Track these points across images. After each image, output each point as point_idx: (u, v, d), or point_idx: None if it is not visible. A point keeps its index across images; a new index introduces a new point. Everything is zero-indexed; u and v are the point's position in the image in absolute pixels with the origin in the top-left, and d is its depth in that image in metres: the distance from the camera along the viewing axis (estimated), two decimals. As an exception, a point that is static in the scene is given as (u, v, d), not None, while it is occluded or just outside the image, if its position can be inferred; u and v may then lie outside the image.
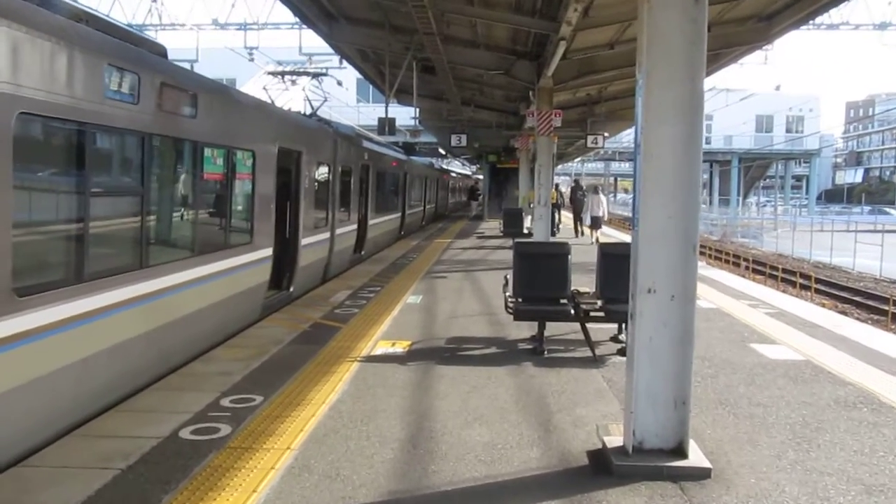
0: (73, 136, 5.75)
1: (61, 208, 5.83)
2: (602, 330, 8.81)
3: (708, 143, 64.71)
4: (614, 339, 8.77)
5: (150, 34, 24.78)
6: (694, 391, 5.20)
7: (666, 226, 4.77)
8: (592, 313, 8.28)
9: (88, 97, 5.73)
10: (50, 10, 5.74)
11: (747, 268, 28.81)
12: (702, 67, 4.76)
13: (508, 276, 8.76)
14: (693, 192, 4.78)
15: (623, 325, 8.61)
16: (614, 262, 8.45)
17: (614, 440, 5.16)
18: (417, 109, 22.53)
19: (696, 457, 4.88)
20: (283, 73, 18.50)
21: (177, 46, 16.85)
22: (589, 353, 8.04)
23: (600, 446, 5.22)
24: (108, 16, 7.67)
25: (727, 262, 31.40)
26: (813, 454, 5.25)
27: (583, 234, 23.96)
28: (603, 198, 23.44)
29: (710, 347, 8.43)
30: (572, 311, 8.15)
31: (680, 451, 4.86)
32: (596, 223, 22.31)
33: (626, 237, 30.26)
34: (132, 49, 6.76)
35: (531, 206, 23.48)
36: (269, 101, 14.47)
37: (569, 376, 7.22)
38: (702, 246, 33.33)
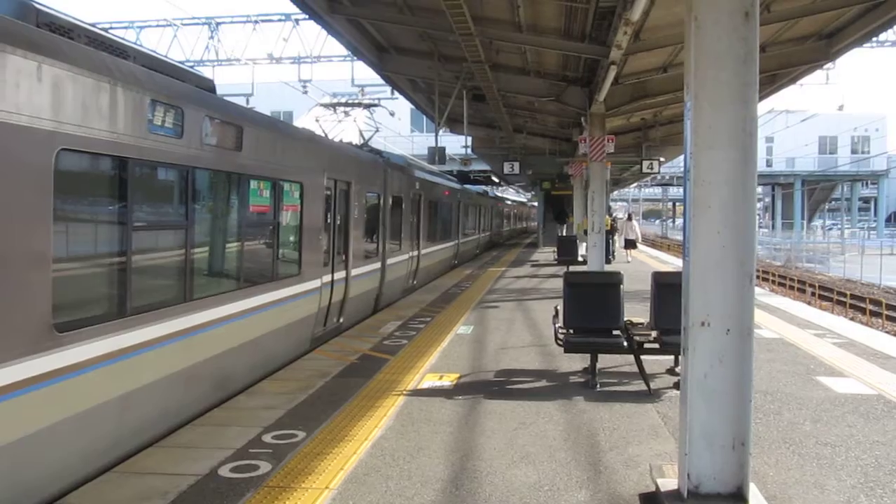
0: (115, 170, 5.78)
1: (103, 243, 5.85)
2: (657, 362, 8.48)
3: (769, 165, 63.18)
4: (671, 371, 8.42)
5: (208, 70, 25.42)
6: (755, 428, 4.89)
7: (720, 255, 4.50)
8: (647, 345, 7.96)
9: (131, 132, 5.76)
10: (96, 48, 5.82)
11: (813, 294, 27.80)
12: (754, 88, 4.51)
13: (559, 307, 8.51)
14: (748, 219, 4.51)
15: (679, 358, 8.26)
16: (669, 292, 8.10)
17: (669, 483, 4.86)
18: (469, 138, 22.48)
19: (757, 502, 4.55)
20: (335, 105, 18.70)
21: (233, 81, 17.21)
22: (643, 387, 7.71)
23: (653, 489, 4.93)
24: (155, 51, 7.76)
25: (791, 288, 30.36)
26: (887, 500, 4.85)
27: (614, 255, 26.06)
28: (636, 223, 28.71)
29: (772, 381, 8.01)
30: (625, 343, 7.85)
31: (739, 496, 4.53)
32: (630, 244, 27.04)
33: (673, 259, 29.63)
34: (176, 84, 6.81)
35: (585, 233, 23.42)
36: (321, 132, 14.57)
37: (622, 412, 6.91)
38: (764, 272, 32.56)
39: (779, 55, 14.60)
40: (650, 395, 7.47)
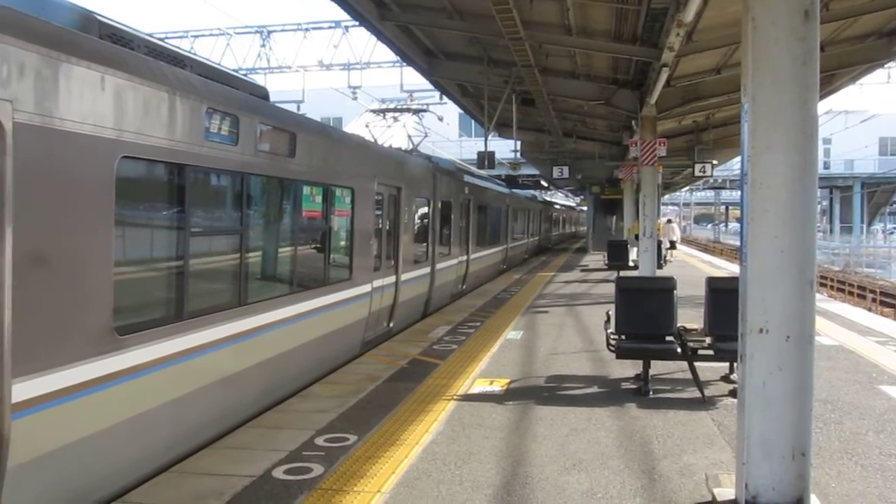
0: (173, 177, 5.91)
1: (162, 248, 5.99)
2: (711, 368, 8.33)
3: (826, 167, 61.50)
4: (725, 378, 8.27)
5: (259, 77, 25.85)
6: (816, 438, 4.77)
7: (778, 260, 4.40)
8: (701, 352, 7.82)
9: (189, 140, 5.89)
10: (154, 58, 5.96)
11: (874, 300, 26.96)
12: (814, 90, 4.41)
13: (610, 312, 8.42)
14: (808, 223, 4.40)
15: (734, 365, 8.10)
16: (724, 297, 7.97)
17: (725, 493, 4.77)
18: (518, 142, 22.40)
19: (818, 514, 4.44)
20: (385, 111, 18.84)
21: (284, 88, 17.48)
22: (697, 394, 7.57)
23: (709, 499, 4.84)
24: (210, 60, 7.93)
25: (851, 293, 29.49)
26: (956, 514, 4.68)
27: (665, 260, 26.61)
28: (675, 226, 32.70)
29: (833, 389, 7.80)
30: (679, 350, 7.73)
31: (800, 508, 4.42)
32: (672, 245, 29.50)
33: (725, 265, 29.08)
34: (232, 92, 6.94)
35: (636, 237, 23.25)
36: (371, 138, 14.69)
37: (675, 419, 6.80)
38: (822, 277, 31.71)
39: (838, 54, 14.21)
40: (704, 403, 7.34)
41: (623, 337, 8.04)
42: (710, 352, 7.75)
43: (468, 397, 7.64)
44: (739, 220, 4.73)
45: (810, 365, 4.45)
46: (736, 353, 7.43)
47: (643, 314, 8.12)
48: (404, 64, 22.05)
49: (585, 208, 52.73)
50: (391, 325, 11.83)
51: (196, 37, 27.64)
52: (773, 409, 4.45)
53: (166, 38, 25.02)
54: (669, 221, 32.12)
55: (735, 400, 7.35)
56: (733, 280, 10.01)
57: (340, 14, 33.20)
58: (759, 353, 4.46)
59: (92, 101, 4.80)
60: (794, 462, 4.43)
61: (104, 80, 4.90)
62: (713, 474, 5.31)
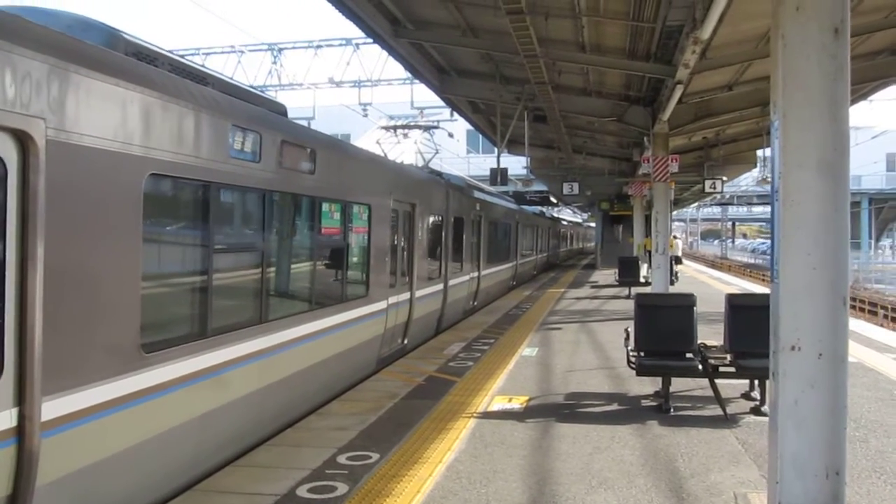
0: (198, 194, 5.92)
1: (187, 265, 5.99)
2: (730, 386, 8.27)
3: (834, 184, 61.22)
4: (746, 395, 8.21)
5: (271, 94, 25.96)
6: (845, 458, 4.70)
7: (811, 277, 4.36)
8: (722, 369, 7.77)
9: (214, 157, 5.90)
10: (179, 74, 5.99)
11: (885, 316, 26.82)
12: (845, 106, 4.39)
13: (629, 329, 8.38)
14: (840, 240, 4.37)
15: (755, 382, 8.05)
16: (744, 314, 7.97)
17: (757, 512, 4.71)
18: (528, 159, 22.44)
19: (853, 534, 4.38)
20: (395, 128, 18.90)
21: (295, 105, 17.54)
22: (719, 412, 7.52)
23: (741, 518, 4.78)
24: (231, 78, 7.97)
25: (861, 310, 29.35)
26: None
27: (677, 277, 26.48)
28: (679, 242, 35.68)
29: (855, 406, 7.72)
30: (700, 367, 7.68)
31: (834, 528, 4.36)
32: (678, 260, 30.97)
33: (735, 280, 28.97)
34: (254, 109, 6.97)
35: (646, 254, 23.28)
36: (382, 154, 14.73)
37: (699, 437, 6.75)
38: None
39: (852, 71, 14.21)
40: (727, 421, 7.28)
41: (642, 354, 7.99)
42: (732, 369, 7.70)
43: (488, 415, 7.60)
44: (771, 237, 4.70)
45: (844, 383, 4.41)
46: (758, 370, 7.51)
47: (663, 331, 8.08)
48: (415, 80, 22.16)
49: (593, 224, 52.73)
50: (405, 341, 11.80)
51: (207, 54, 27.87)
52: (805, 427, 4.40)
53: (176, 54, 25.15)
54: (675, 237, 32.62)
55: (757, 418, 7.36)
56: (754, 297, 9.95)
57: (351, 32, 33.43)
58: (792, 371, 4.42)
59: (121, 119, 4.82)
60: (829, 481, 4.37)
61: (133, 97, 4.92)
62: (741, 493, 5.27)
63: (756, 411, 7.55)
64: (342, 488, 5.44)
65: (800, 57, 4.38)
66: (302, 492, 5.39)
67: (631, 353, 8.11)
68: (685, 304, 8.20)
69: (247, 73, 28.04)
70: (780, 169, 4.41)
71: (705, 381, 8.06)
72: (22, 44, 4.03)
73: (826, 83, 4.37)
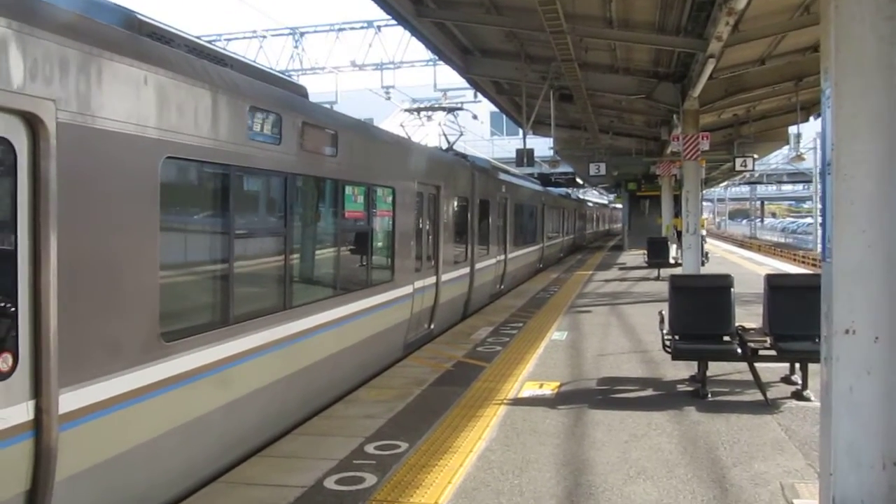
0: (217, 178, 5.74)
1: (207, 251, 5.82)
2: (769, 369, 7.98)
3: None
4: (786, 380, 7.92)
5: (293, 78, 25.80)
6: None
7: (865, 256, 4.08)
8: (762, 352, 7.49)
9: (232, 139, 5.71)
10: (196, 56, 5.80)
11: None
12: (902, 71, 4.09)
13: (664, 312, 8.11)
14: (898, 215, 4.08)
15: (796, 365, 7.76)
16: (784, 295, 7.69)
17: (806, 504, 4.47)
18: (554, 139, 22.10)
19: (912, 528, 4.12)
20: (418, 110, 18.65)
21: (317, 90, 17.39)
22: (758, 397, 7.25)
23: (790, 511, 4.54)
24: (253, 60, 7.78)
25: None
26: None
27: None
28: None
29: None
30: (738, 350, 7.40)
31: (892, 522, 4.11)
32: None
33: (766, 260, 28.50)
34: (274, 90, 6.76)
35: (676, 234, 22.94)
36: (407, 137, 14.51)
37: (739, 423, 6.49)
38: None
39: None
40: (768, 406, 7.02)
41: (678, 337, 7.73)
42: (772, 352, 7.41)
43: (518, 401, 7.39)
44: (822, 213, 4.42)
45: (903, 368, 4.13)
46: (800, 353, 7.23)
47: (699, 313, 7.81)
48: (438, 62, 21.88)
49: (619, 206, 52.15)
50: (432, 326, 11.62)
51: (229, 39, 27.75)
52: (861, 415, 4.13)
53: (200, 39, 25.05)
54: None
55: (800, 402, 7.09)
56: (794, 277, 9.62)
57: (373, 14, 33.14)
58: (846, 356, 4.15)
59: (135, 100, 4.64)
60: (886, 472, 4.12)
61: (147, 78, 4.73)
62: (788, 483, 5.03)
63: (798, 396, 7.27)
64: (371, 479, 5.27)
65: (853, 20, 4.08)
66: (329, 483, 5.23)
67: (666, 337, 7.85)
68: (722, 285, 7.92)
69: (269, 57, 27.89)
70: (833, 140, 4.12)
71: (742, 365, 7.80)
72: (29, 22, 3.85)
73: (882, 47, 4.07)
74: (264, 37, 27.67)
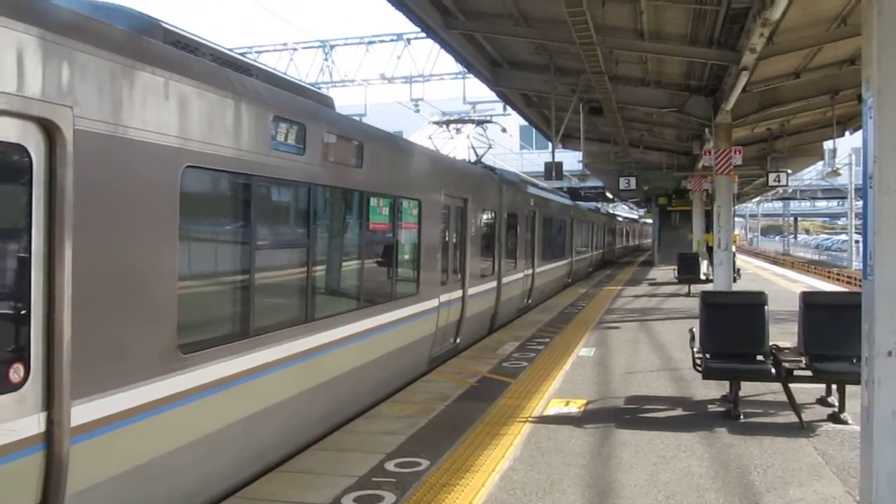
0: (239, 188, 5.67)
1: (227, 262, 5.74)
2: (804, 391, 7.70)
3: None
4: (822, 401, 7.65)
5: (322, 91, 25.92)
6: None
7: (910, 274, 3.88)
8: (797, 372, 7.23)
9: (255, 149, 5.64)
10: (221, 65, 5.75)
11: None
12: (950, 80, 3.88)
13: (694, 329, 7.88)
14: (945, 231, 3.87)
15: (833, 387, 7.48)
16: (821, 313, 7.43)
17: (846, 535, 4.23)
18: (583, 153, 21.89)
19: (960, 564, 3.87)
20: (447, 122, 18.57)
21: (347, 103, 17.41)
22: (793, 419, 7.00)
23: (828, 542, 4.31)
24: (279, 71, 7.73)
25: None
26: None
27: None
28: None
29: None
30: (773, 370, 7.15)
31: (938, 556, 3.87)
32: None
33: (800, 277, 27.91)
34: (298, 100, 6.69)
35: (707, 250, 22.63)
36: (434, 150, 14.41)
37: (773, 447, 6.25)
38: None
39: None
40: (803, 429, 6.76)
41: (709, 356, 7.49)
42: (808, 373, 7.15)
43: (543, 419, 7.21)
44: (862, 229, 4.21)
45: (949, 392, 3.90)
46: (837, 374, 6.96)
47: (731, 331, 7.57)
48: (467, 75, 21.82)
49: (649, 221, 51.66)
50: (458, 340, 11.46)
51: (260, 52, 27.95)
52: (904, 442, 3.91)
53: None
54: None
55: (837, 426, 6.82)
56: (831, 295, 9.31)
57: (402, 27, 33.23)
58: (889, 379, 3.93)
59: (156, 108, 4.58)
60: (931, 503, 3.89)
61: (168, 85, 4.68)
62: (826, 512, 4.79)
63: (835, 418, 7.00)
64: (389, 498, 5.13)
65: (897, 26, 3.89)
66: (347, 501, 5.10)
67: (696, 355, 7.62)
68: (755, 302, 7.67)
69: (299, 70, 28.05)
70: (876, 152, 3.92)
71: (776, 386, 7.54)
72: (46, 27, 3.80)
73: (929, 54, 3.87)
74: (295, 49, 27.85)
